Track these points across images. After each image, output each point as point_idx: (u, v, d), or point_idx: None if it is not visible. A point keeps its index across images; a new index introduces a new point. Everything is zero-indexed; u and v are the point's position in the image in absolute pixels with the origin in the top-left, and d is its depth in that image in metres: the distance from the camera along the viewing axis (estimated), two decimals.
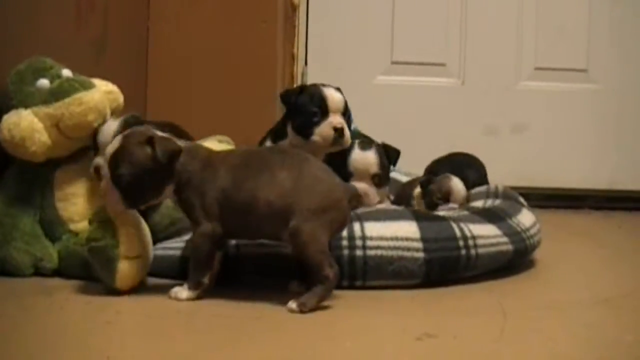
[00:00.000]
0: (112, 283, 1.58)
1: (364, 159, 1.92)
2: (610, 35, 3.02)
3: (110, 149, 1.52)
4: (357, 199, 1.58)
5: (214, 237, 1.54)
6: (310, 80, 3.01)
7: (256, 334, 1.36)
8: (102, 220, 1.59)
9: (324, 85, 1.91)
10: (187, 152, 1.55)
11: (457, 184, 2.02)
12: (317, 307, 1.48)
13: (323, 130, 1.84)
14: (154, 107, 2.76)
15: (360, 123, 2.56)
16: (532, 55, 3.03)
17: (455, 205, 1.97)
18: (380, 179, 1.94)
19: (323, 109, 1.85)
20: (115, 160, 1.50)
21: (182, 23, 2.77)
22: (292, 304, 1.47)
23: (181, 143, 1.55)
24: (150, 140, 1.51)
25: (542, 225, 2.00)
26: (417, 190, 2.06)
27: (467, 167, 2.22)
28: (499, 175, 2.35)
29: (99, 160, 1.71)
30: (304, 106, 1.85)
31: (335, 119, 1.85)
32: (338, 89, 1.91)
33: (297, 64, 2.99)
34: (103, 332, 1.37)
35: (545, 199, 2.99)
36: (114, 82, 1.85)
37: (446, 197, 1.99)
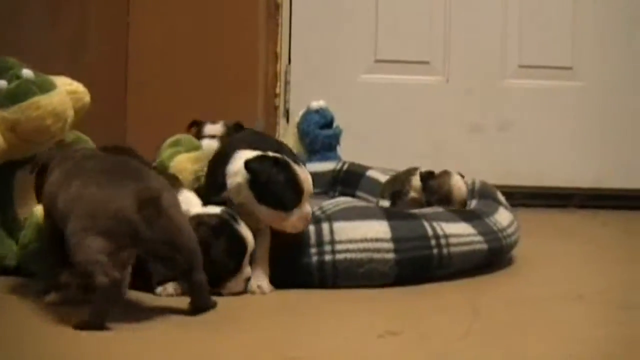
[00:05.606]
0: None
1: None
2: (595, 32, 2.99)
3: None
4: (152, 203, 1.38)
5: None
6: (293, 80, 2.99)
7: (222, 332, 1.34)
8: (30, 226, 1.59)
9: None
10: None
11: (457, 182, 1.98)
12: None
13: None
14: (134, 104, 2.75)
15: (344, 122, 2.54)
16: (517, 52, 3.01)
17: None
18: None
19: None
20: None
21: (162, 19, 2.75)
22: None
23: None
24: None
25: (527, 223, 1.98)
26: (417, 181, 2.02)
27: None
28: (483, 173, 2.31)
29: None
30: None
31: None
32: None
33: (280, 63, 2.97)
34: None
35: (531, 197, 2.97)
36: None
37: (447, 198, 1.96)
